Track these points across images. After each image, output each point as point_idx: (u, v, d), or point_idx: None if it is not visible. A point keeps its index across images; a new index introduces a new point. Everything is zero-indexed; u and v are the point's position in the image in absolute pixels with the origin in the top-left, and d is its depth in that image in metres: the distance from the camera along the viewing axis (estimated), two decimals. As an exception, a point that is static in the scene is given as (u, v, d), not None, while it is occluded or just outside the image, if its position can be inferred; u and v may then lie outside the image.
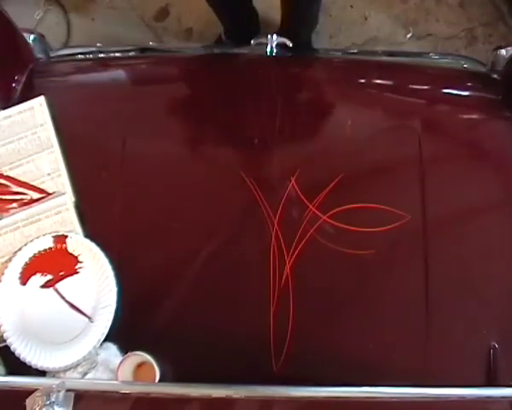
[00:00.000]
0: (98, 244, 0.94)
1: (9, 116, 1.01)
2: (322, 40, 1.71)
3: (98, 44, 1.21)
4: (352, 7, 1.77)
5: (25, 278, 0.93)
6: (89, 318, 0.92)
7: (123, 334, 0.91)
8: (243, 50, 1.16)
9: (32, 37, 1.15)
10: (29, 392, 0.69)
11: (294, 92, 1.07)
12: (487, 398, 0.76)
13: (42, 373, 0.90)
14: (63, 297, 0.94)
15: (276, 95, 1.04)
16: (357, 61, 1.21)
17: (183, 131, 1.01)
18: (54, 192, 0.98)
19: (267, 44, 1.10)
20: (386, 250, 0.94)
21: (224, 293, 0.93)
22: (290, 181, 0.96)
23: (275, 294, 0.92)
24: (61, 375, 0.90)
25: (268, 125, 1.00)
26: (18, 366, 0.89)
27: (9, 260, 0.93)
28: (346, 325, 0.93)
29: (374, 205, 0.95)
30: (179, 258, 0.96)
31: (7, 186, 0.99)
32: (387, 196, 0.96)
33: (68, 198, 0.97)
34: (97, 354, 0.90)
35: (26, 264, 0.93)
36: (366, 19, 1.76)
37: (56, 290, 0.94)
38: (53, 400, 0.67)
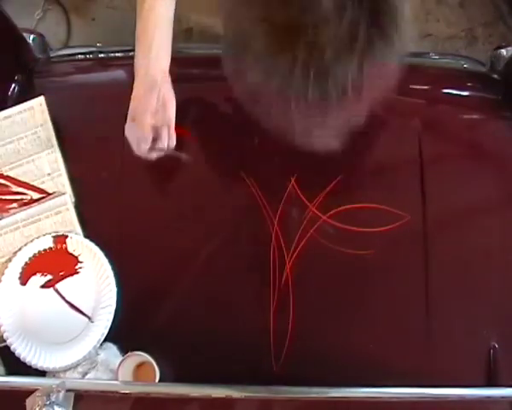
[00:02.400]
0: (98, 244, 0.94)
1: (9, 116, 1.01)
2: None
3: (98, 44, 1.21)
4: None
5: (25, 278, 0.93)
6: (89, 318, 0.92)
7: (123, 334, 0.91)
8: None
9: (32, 37, 1.15)
10: (29, 392, 0.69)
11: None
12: (487, 398, 0.76)
13: (42, 373, 0.90)
14: (63, 297, 0.94)
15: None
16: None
17: (183, 131, 1.01)
18: (54, 192, 0.98)
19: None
20: (386, 250, 0.94)
21: (224, 293, 0.93)
22: (290, 181, 0.96)
23: (275, 294, 0.92)
24: (61, 375, 0.90)
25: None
26: (18, 366, 0.89)
27: (9, 260, 0.93)
28: (346, 325, 0.92)
29: (374, 205, 0.95)
30: (179, 258, 0.96)
31: (7, 186, 0.99)
32: (387, 196, 0.95)
33: (68, 198, 0.97)
34: (97, 354, 0.90)
35: (26, 264, 0.93)
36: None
37: (56, 290, 0.94)
38: (53, 400, 0.67)
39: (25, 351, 0.89)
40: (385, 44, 0.53)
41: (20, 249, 0.93)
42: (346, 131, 0.63)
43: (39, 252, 0.94)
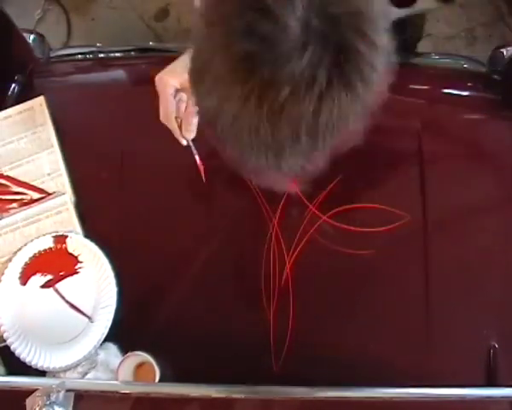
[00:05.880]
0: (98, 244, 0.94)
1: (9, 116, 1.02)
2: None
3: (98, 44, 1.21)
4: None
5: (25, 278, 0.93)
6: (89, 318, 0.92)
7: (123, 334, 0.91)
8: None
9: (32, 37, 1.15)
10: (29, 392, 0.69)
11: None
12: (487, 398, 0.76)
13: (42, 373, 0.90)
14: (63, 297, 0.94)
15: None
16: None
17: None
18: (54, 192, 0.98)
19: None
20: (386, 250, 0.94)
21: (224, 293, 0.93)
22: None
23: (275, 294, 0.92)
24: (61, 375, 0.90)
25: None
26: (18, 366, 0.89)
27: (9, 260, 0.93)
28: (346, 325, 0.92)
29: (374, 205, 0.95)
30: (179, 258, 0.96)
31: (7, 186, 0.99)
32: (387, 196, 0.95)
33: (68, 198, 0.97)
34: (97, 354, 0.90)
35: (26, 264, 0.93)
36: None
37: (56, 290, 0.94)
38: (53, 400, 0.67)
39: (25, 351, 0.89)
40: (347, 94, 0.49)
41: (20, 249, 0.93)
42: (301, 175, 0.58)
43: (39, 252, 0.94)
